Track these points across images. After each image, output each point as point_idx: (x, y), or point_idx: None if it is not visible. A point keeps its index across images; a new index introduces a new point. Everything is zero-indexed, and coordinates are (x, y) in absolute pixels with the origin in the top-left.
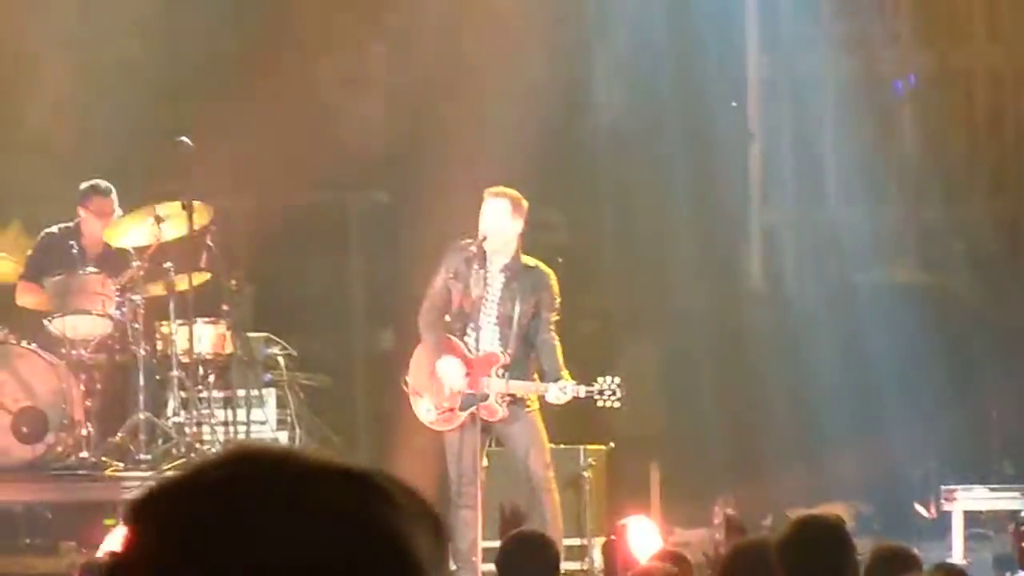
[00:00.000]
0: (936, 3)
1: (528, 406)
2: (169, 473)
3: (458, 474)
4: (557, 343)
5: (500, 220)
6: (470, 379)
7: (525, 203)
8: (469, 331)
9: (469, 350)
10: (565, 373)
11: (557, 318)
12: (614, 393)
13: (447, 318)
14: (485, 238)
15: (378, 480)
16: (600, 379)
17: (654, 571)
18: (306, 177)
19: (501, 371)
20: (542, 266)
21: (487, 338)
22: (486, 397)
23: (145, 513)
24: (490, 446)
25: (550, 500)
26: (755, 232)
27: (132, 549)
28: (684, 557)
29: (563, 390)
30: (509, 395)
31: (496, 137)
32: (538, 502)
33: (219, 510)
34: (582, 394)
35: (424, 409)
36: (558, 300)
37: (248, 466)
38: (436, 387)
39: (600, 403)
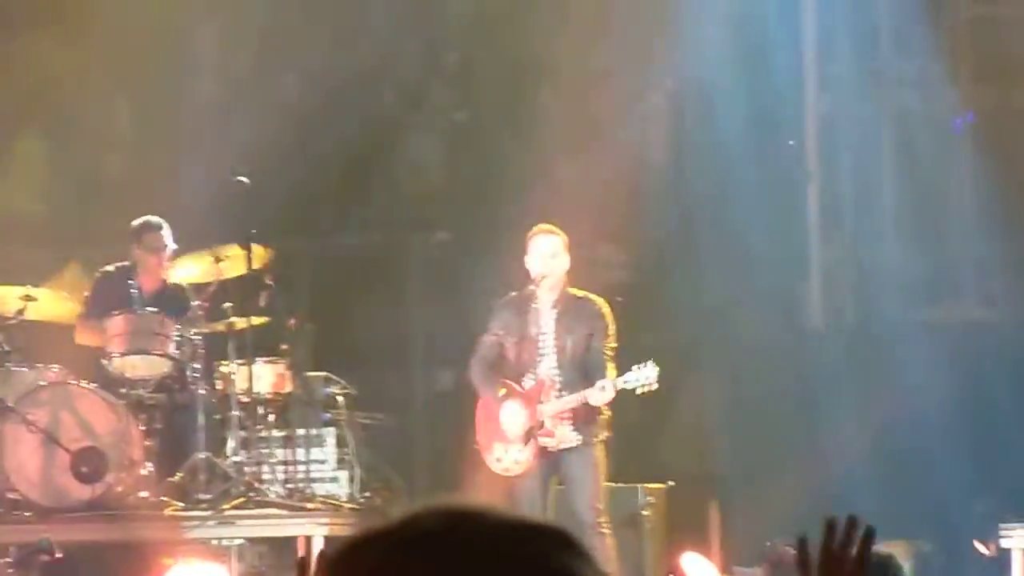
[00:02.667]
0: (995, 41)
1: (593, 436)
2: (367, 525)
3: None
4: (611, 369)
5: (556, 257)
6: (528, 413)
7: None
8: (528, 377)
9: (522, 387)
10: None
11: (614, 346)
12: (648, 378)
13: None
14: (544, 277)
15: (571, 537)
16: (635, 367)
17: None
18: (367, 216)
19: (554, 395)
20: (592, 296)
21: (545, 374)
22: (542, 424)
23: (344, 565)
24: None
25: (600, 544)
26: (815, 269)
27: None
28: None
29: (602, 389)
30: (567, 417)
31: (556, 175)
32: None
33: (420, 567)
34: (620, 386)
35: (494, 459)
36: (612, 327)
37: (448, 522)
38: (500, 434)
39: (639, 390)
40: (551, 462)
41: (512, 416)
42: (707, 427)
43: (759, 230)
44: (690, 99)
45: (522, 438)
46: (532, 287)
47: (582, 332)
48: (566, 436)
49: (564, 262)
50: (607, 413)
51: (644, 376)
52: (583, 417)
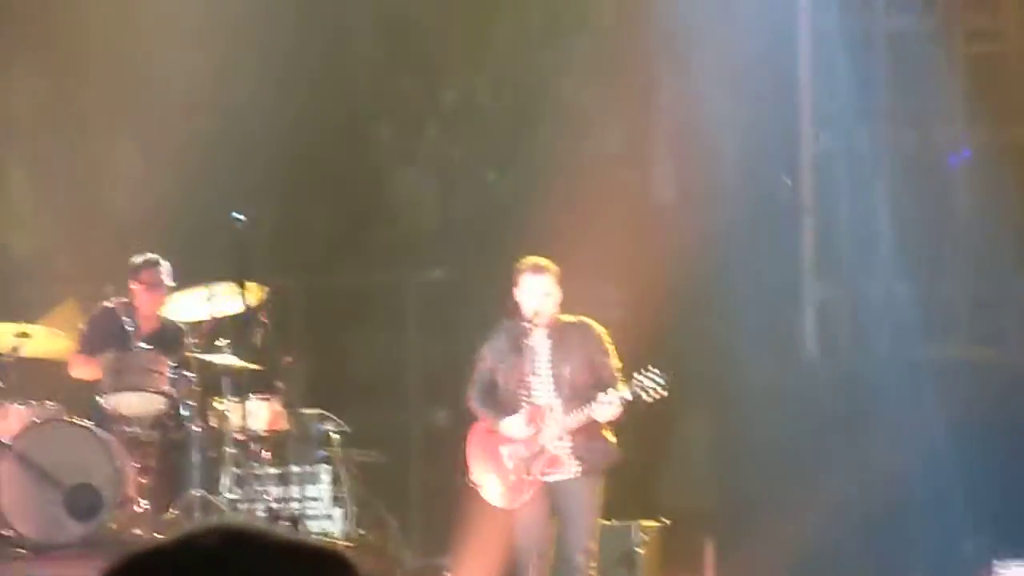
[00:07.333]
0: (991, 77)
1: (597, 465)
2: (141, 545)
3: (527, 548)
4: (622, 386)
5: (549, 295)
6: (528, 438)
7: None
8: (524, 404)
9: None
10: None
11: (620, 365)
12: (655, 381)
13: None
14: (537, 314)
15: (347, 559)
16: (636, 375)
17: None
18: (362, 253)
19: (555, 420)
20: (583, 319)
21: (544, 402)
22: (543, 450)
23: None
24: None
25: None
26: (810, 305)
27: None
28: None
29: (608, 403)
30: (569, 441)
31: (553, 212)
32: None
33: None
34: (628, 396)
35: (494, 493)
36: (610, 345)
37: (225, 544)
38: (497, 465)
39: (647, 398)
40: (549, 493)
41: (513, 424)
42: (702, 464)
43: (755, 266)
44: (688, 137)
45: (520, 461)
46: (524, 323)
47: (580, 357)
48: (572, 460)
49: (557, 298)
50: (612, 438)
51: (651, 381)
52: (584, 445)
